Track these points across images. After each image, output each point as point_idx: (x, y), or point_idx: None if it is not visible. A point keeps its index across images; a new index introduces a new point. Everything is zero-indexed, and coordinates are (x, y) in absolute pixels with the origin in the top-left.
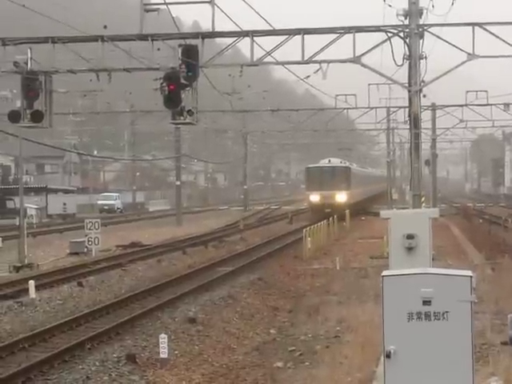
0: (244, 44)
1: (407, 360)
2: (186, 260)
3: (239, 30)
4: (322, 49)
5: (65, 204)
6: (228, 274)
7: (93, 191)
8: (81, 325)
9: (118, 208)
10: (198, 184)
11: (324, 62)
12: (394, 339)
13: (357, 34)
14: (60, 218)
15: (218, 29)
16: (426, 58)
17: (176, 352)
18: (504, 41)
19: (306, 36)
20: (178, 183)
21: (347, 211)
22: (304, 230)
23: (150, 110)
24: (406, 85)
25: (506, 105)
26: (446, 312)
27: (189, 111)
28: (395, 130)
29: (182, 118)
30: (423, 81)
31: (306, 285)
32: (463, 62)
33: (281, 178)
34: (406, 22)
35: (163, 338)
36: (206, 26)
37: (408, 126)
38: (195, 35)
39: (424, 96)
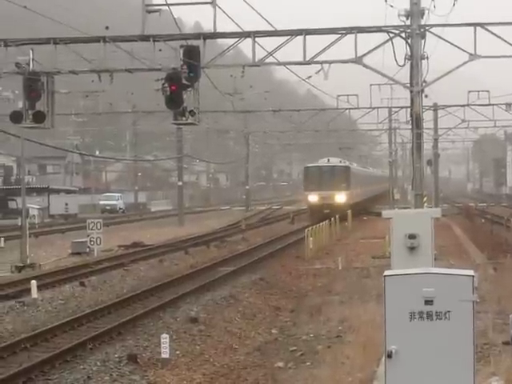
0: (246, 45)
1: (408, 360)
2: (188, 260)
3: (241, 30)
4: (324, 49)
5: (67, 204)
6: (230, 274)
7: (95, 191)
8: (82, 325)
9: (119, 208)
10: (199, 184)
11: (326, 62)
12: (396, 339)
13: (358, 35)
14: (62, 218)
15: (219, 29)
16: (427, 58)
17: (177, 352)
18: (506, 41)
19: (307, 36)
20: (180, 183)
21: (349, 211)
22: (306, 230)
23: (152, 110)
24: (408, 85)
25: (508, 105)
26: (448, 312)
27: (190, 112)
28: (397, 130)
29: (183, 118)
30: (425, 81)
31: (307, 285)
32: (465, 63)
33: (282, 179)
34: (408, 22)
35: (165, 338)
36: (207, 27)
37: (410, 126)
38: (197, 36)
39: (426, 96)
